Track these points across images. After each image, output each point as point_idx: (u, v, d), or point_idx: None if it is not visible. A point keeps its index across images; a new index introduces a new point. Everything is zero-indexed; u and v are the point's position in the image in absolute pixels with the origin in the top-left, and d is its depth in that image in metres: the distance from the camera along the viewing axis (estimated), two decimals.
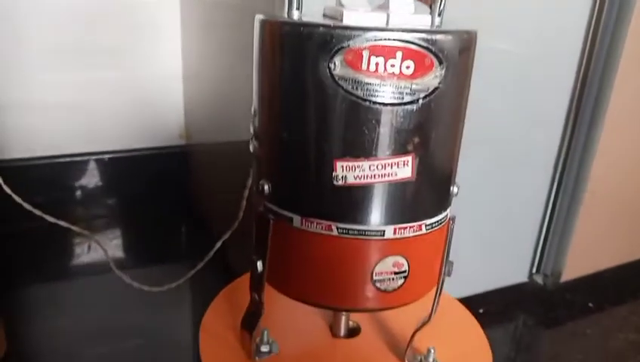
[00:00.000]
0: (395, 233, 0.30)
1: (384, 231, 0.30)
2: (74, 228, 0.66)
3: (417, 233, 0.31)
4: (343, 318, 0.41)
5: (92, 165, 1.19)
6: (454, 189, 0.34)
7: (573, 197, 0.98)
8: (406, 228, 0.31)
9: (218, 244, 0.61)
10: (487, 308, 0.90)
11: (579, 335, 0.94)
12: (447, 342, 0.40)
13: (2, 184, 0.59)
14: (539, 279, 1.06)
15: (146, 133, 1.22)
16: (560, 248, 1.01)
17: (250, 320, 0.37)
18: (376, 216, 0.30)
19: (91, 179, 1.20)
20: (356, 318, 0.43)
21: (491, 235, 0.94)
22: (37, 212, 0.62)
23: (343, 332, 0.41)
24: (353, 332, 0.42)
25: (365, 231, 0.30)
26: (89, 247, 1.11)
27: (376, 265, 0.31)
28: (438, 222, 0.32)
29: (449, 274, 0.35)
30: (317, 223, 0.30)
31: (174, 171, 1.24)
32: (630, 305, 1.04)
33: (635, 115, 0.96)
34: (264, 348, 0.38)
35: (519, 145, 0.91)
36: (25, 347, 0.85)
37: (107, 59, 1.14)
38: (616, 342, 0.93)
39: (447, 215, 0.33)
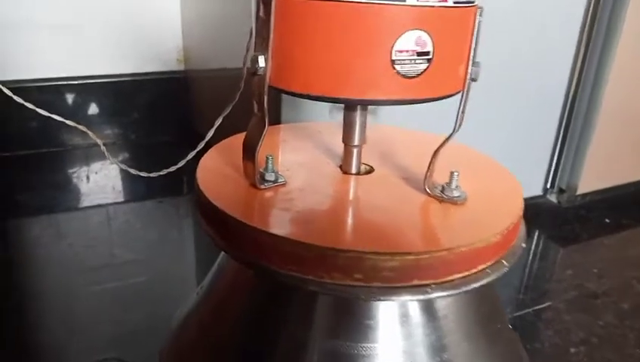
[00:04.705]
0: None
1: None
2: (69, 122, 0.62)
3: (442, 4, 0.27)
4: (355, 152, 0.37)
5: (87, 90, 1.15)
6: None
7: (589, 112, 0.94)
8: None
9: (219, 120, 0.57)
10: None
11: (596, 246, 0.91)
12: (470, 174, 0.36)
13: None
14: (553, 197, 1.02)
15: (144, 57, 1.17)
16: (575, 161, 0.97)
17: (252, 140, 0.33)
18: None
19: (87, 105, 1.16)
20: (367, 159, 0.39)
21: (506, 148, 0.91)
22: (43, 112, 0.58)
23: (354, 168, 0.37)
24: (365, 173, 0.38)
25: None
26: (87, 178, 1.09)
27: (396, 40, 0.27)
28: None
29: (475, 78, 0.31)
30: None
31: (173, 97, 1.20)
32: None
33: None
34: (269, 176, 0.34)
35: (535, 61, 0.87)
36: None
37: None
38: (636, 251, 0.89)
39: None
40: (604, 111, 0.92)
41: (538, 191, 1.00)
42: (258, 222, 0.30)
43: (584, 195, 1.00)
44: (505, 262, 0.32)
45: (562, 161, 0.97)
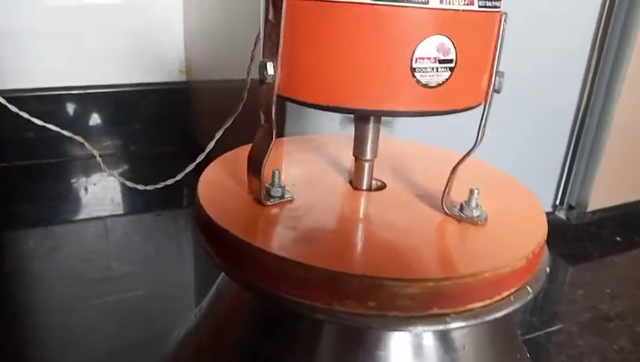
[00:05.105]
0: (442, 1, 0.24)
1: None
2: (65, 132, 0.60)
3: (468, 7, 0.25)
4: (366, 167, 0.35)
5: (87, 100, 1.13)
6: None
7: (599, 128, 0.92)
8: None
9: (221, 131, 0.54)
10: None
11: (608, 265, 0.88)
12: (488, 192, 0.34)
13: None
14: (562, 214, 1.00)
15: (146, 68, 1.16)
16: (586, 178, 0.95)
17: (259, 153, 0.31)
18: None
19: (87, 115, 1.14)
20: (378, 174, 0.37)
21: (515, 164, 0.88)
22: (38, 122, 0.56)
23: (365, 184, 0.35)
24: (376, 189, 0.36)
25: None
26: (86, 189, 1.07)
27: (417, 46, 0.25)
28: (491, 1, 0.26)
29: (499, 90, 0.29)
30: None
31: (175, 108, 1.18)
32: None
33: None
34: (275, 192, 0.32)
35: (545, 76, 0.85)
36: None
37: None
38: None
39: (500, 1, 0.27)
40: (614, 127, 0.90)
41: (547, 208, 0.98)
42: (262, 241, 0.27)
43: (594, 212, 0.98)
44: (529, 289, 0.29)
45: (572, 178, 0.95)
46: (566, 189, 0.96)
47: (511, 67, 0.89)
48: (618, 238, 0.96)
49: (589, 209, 0.95)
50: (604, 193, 0.95)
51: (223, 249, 0.30)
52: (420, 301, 0.25)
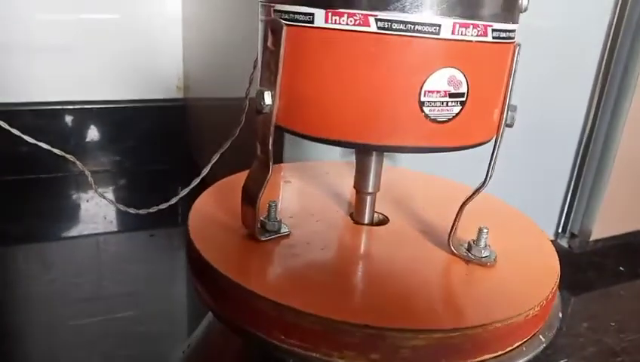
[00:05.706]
0: (454, 32, 0.22)
1: (440, 26, 0.22)
2: (56, 151, 0.59)
3: (482, 38, 0.23)
4: (368, 200, 0.33)
5: (83, 115, 1.11)
6: (524, 1, 0.25)
7: (603, 155, 0.90)
8: (469, 26, 0.22)
9: (217, 156, 0.53)
10: None
11: (612, 296, 0.86)
12: (494, 229, 0.32)
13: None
14: (564, 242, 0.98)
15: (143, 84, 1.14)
16: (589, 206, 0.93)
17: (254, 186, 0.29)
18: (430, 2, 0.22)
19: (82, 130, 1.12)
20: (380, 206, 0.35)
21: (517, 190, 0.87)
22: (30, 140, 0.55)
23: (366, 218, 0.33)
24: (379, 223, 0.34)
25: (415, 24, 0.22)
26: (78, 206, 1.04)
27: (426, 79, 0.23)
28: (506, 32, 0.24)
29: (511, 124, 0.27)
30: (348, 16, 0.22)
31: (171, 125, 1.16)
32: None
33: None
34: (271, 226, 0.30)
35: (549, 100, 0.84)
36: None
37: None
38: None
39: (514, 32, 0.25)
40: (619, 154, 0.89)
41: (549, 236, 0.96)
42: (255, 284, 0.25)
43: (596, 241, 0.96)
44: (542, 338, 0.27)
45: (575, 205, 0.93)
46: (569, 217, 0.95)
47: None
48: (622, 268, 0.94)
49: (593, 238, 0.93)
50: (608, 221, 0.94)
51: (214, 288, 0.28)
52: (427, 353, 0.23)
